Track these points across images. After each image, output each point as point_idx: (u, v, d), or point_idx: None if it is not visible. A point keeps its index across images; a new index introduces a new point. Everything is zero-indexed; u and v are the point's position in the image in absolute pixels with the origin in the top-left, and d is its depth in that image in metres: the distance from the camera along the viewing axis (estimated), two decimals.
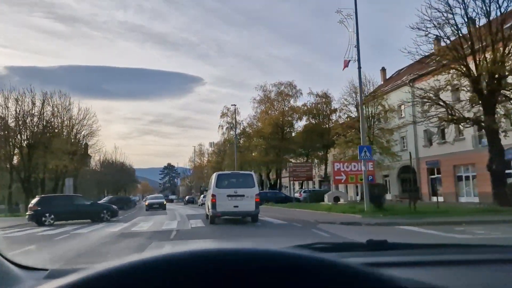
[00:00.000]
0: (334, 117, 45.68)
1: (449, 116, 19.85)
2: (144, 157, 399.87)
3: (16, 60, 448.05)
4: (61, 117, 39.01)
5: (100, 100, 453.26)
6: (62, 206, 19.27)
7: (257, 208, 15.06)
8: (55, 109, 38.32)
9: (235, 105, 51.97)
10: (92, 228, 15.86)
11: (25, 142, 35.99)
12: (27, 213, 19.89)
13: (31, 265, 1.35)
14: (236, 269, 0.53)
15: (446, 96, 21.37)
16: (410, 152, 18.80)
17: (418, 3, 36.06)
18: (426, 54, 20.36)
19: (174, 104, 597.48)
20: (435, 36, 20.24)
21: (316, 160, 46.83)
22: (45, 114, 37.48)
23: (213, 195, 14.95)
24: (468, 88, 20.08)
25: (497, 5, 19.12)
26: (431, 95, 20.58)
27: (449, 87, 20.23)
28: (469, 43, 19.42)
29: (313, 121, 47.13)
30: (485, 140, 28.59)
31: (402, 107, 35.06)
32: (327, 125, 45.64)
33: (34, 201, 19.61)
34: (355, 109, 36.32)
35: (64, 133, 39.61)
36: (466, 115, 20.31)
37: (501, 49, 18.51)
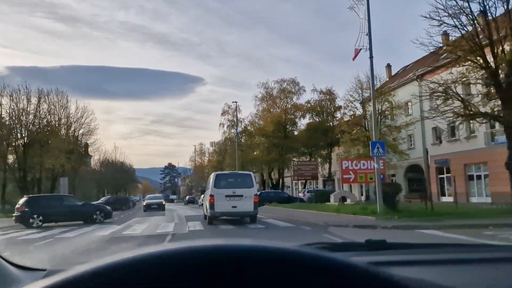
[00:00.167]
0: (338, 114, 44.49)
1: (466, 111, 18.57)
2: (145, 157, 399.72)
3: (17, 60, 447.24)
4: (58, 115, 38.06)
5: (101, 100, 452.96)
6: (52, 206, 18.00)
7: (256, 209, 14.93)
8: (52, 106, 37.41)
9: (236, 102, 50.91)
10: (81, 231, 14.64)
11: (20, 140, 34.95)
12: (13, 214, 18.60)
13: (29, 265, 1.35)
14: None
15: (457, 90, 20.22)
16: (426, 149, 17.46)
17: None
18: (440, 45, 19.09)
19: (175, 104, 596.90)
20: (449, 26, 19.03)
21: (319, 159, 45.60)
22: (41, 112, 36.46)
23: (211, 195, 14.77)
24: (486, 81, 18.84)
25: None
26: (446, 88, 19.33)
27: (464, 80, 18.97)
28: (487, 32, 18.21)
29: (317, 119, 45.86)
30: (498, 138, 27.48)
31: (409, 104, 33.92)
32: (331, 123, 44.44)
33: (21, 201, 18.24)
34: (361, 106, 35.13)
35: (61, 132, 38.68)
36: (482, 110, 19.12)
37: None
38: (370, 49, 15.52)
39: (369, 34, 15.41)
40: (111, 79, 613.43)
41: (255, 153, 48.08)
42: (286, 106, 46.39)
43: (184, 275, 0.50)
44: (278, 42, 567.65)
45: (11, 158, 35.91)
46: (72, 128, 39.63)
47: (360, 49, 15.30)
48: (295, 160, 42.80)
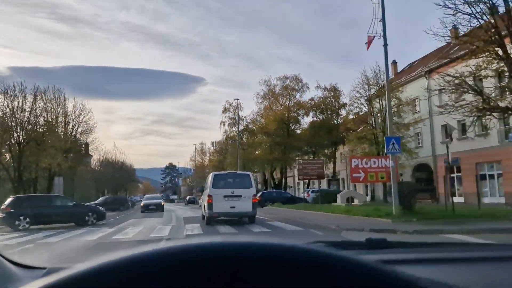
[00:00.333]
0: (343, 112, 43.21)
1: (484, 105, 17.30)
2: (146, 157, 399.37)
3: (18, 61, 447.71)
4: (55, 113, 36.85)
5: (102, 100, 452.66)
6: (40, 207, 16.71)
7: (255, 209, 14.93)
8: (49, 104, 36.21)
9: (238, 99, 49.64)
10: (68, 234, 13.39)
11: (16, 138, 33.79)
12: None
13: (29, 263, 1.33)
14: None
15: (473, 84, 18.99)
16: (447, 146, 16.12)
17: None
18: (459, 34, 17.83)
19: (176, 104, 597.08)
20: (465, 14, 17.77)
21: (323, 158, 44.31)
22: (37, 109, 35.28)
23: (210, 196, 14.59)
24: (506, 74, 17.58)
25: None
26: (461, 81, 18.08)
27: (483, 72, 17.71)
28: (507, 21, 16.95)
29: (321, 117, 44.62)
30: None
31: (417, 101, 32.69)
32: (335, 121, 43.18)
33: (7, 201, 16.95)
34: (367, 104, 33.91)
35: (59, 130, 37.53)
36: (500, 105, 17.87)
37: None
38: (384, 36, 14.23)
39: (383, 20, 14.14)
40: (112, 79, 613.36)
41: (257, 152, 46.83)
42: (289, 103, 45.15)
43: (184, 274, 0.50)
44: (278, 42, 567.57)
45: (6, 156, 34.79)
46: (70, 126, 38.53)
47: (374, 36, 14.05)
48: (299, 159, 41.52)
